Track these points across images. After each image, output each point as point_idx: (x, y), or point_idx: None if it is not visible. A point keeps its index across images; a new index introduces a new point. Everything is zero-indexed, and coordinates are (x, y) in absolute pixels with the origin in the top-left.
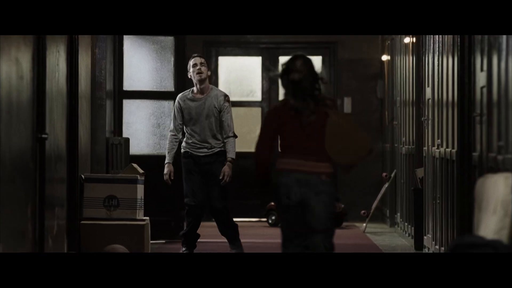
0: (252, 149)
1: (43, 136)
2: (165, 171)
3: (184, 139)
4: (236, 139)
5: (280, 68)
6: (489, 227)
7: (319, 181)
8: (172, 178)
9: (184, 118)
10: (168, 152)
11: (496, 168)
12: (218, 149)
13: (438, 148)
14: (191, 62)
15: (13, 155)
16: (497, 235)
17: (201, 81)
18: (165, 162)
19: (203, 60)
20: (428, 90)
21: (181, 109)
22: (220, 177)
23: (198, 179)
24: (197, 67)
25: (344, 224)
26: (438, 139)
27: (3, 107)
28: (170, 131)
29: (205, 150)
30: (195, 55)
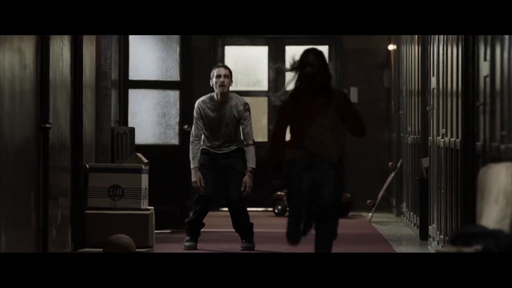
0: (258, 138)
1: (47, 125)
2: (194, 178)
3: (202, 136)
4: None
5: (290, 61)
6: (491, 216)
7: (329, 165)
8: (203, 184)
9: (204, 124)
10: (193, 158)
11: (499, 157)
12: (236, 147)
13: (442, 137)
14: (214, 72)
15: (16, 145)
16: (499, 225)
17: (223, 94)
18: (192, 167)
19: (227, 72)
20: (433, 80)
21: (201, 116)
22: (242, 189)
23: (212, 173)
24: (221, 79)
25: (350, 213)
26: (442, 128)
27: (6, 96)
28: (192, 136)
29: (223, 149)
30: (220, 64)
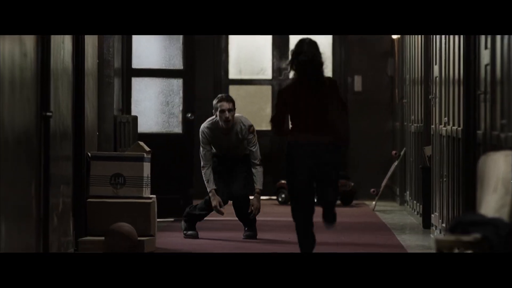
0: (262, 127)
1: (48, 114)
2: (214, 203)
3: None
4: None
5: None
6: (490, 205)
7: (326, 147)
8: (223, 206)
9: (212, 148)
10: (208, 181)
11: (499, 146)
12: (244, 155)
13: (444, 126)
14: (218, 106)
15: (16, 133)
16: (498, 213)
17: (227, 127)
18: (208, 190)
19: (230, 105)
20: (436, 68)
21: (208, 142)
22: (249, 211)
23: (222, 179)
24: (225, 114)
25: (354, 202)
26: (445, 117)
27: (6, 85)
28: (203, 161)
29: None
30: (222, 97)
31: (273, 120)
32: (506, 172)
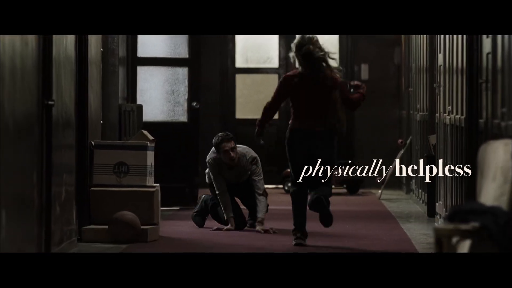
0: None
1: (50, 102)
2: (230, 227)
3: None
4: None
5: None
6: (489, 193)
7: (324, 134)
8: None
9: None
10: (226, 207)
11: (500, 134)
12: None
13: (448, 115)
14: (220, 148)
15: (17, 121)
16: (496, 202)
17: (233, 164)
18: (226, 218)
19: (232, 144)
20: (440, 57)
21: (219, 172)
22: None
23: (234, 205)
24: (230, 154)
25: (360, 190)
26: (448, 105)
27: (6, 73)
28: (218, 190)
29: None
30: (223, 138)
31: (265, 108)
32: (505, 161)
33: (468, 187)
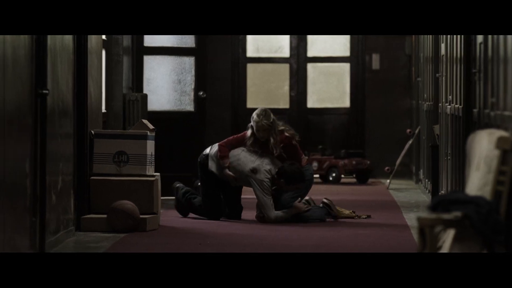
0: (280, 105)
1: (44, 91)
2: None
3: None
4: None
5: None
6: (473, 183)
7: None
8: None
9: None
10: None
11: (490, 124)
12: None
13: (449, 104)
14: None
15: (8, 110)
16: (480, 191)
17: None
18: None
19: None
20: (443, 46)
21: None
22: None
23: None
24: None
25: (370, 180)
26: (449, 95)
27: None
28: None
29: None
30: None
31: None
32: (489, 150)
33: (465, 176)
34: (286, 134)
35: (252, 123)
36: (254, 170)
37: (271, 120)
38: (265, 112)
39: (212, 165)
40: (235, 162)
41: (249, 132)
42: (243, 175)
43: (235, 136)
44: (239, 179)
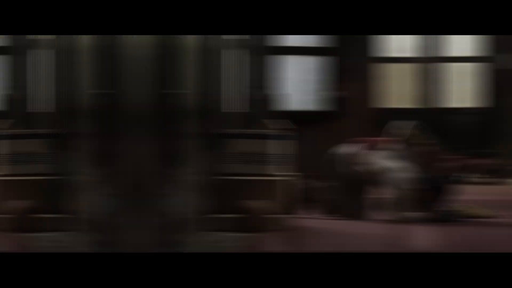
0: (410, 105)
1: (171, 91)
2: None
3: None
4: None
5: None
6: None
7: None
8: None
9: None
10: None
11: None
12: None
13: None
14: None
15: (136, 110)
16: None
17: None
18: None
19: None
20: None
21: None
22: None
23: None
24: None
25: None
26: None
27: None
28: None
29: None
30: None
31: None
32: None
33: None
34: (431, 151)
35: (398, 131)
36: (393, 171)
37: (424, 138)
38: (418, 129)
39: (343, 163)
40: (372, 162)
41: (391, 137)
42: (380, 175)
43: (373, 137)
44: (373, 179)
